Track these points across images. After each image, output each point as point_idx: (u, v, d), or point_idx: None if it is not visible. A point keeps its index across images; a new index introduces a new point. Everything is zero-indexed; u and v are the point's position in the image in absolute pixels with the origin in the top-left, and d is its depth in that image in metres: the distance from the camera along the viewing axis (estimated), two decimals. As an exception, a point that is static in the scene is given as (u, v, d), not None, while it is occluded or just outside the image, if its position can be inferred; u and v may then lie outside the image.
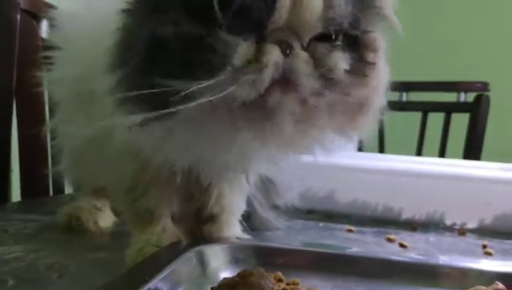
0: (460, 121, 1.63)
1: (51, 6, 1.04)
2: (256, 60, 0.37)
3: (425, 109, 1.68)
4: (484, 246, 0.68)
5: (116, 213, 0.68)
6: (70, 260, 0.51)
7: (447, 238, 0.73)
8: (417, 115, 1.68)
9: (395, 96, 1.72)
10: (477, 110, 1.59)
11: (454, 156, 1.61)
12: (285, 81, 0.38)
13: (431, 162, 0.99)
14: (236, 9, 0.38)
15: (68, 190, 0.90)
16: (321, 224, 0.76)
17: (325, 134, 0.45)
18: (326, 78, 0.39)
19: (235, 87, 0.37)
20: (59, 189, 0.90)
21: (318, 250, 0.51)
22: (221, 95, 0.37)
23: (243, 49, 0.38)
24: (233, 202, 0.55)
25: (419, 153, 1.69)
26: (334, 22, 0.39)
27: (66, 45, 0.58)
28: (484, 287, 0.42)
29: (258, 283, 0.39)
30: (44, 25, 1.03)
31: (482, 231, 0.76)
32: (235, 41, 0.38)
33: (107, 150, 0.51)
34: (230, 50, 0.38)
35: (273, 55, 0.38)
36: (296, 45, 0.39)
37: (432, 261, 0.50)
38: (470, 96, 1.65)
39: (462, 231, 0.76)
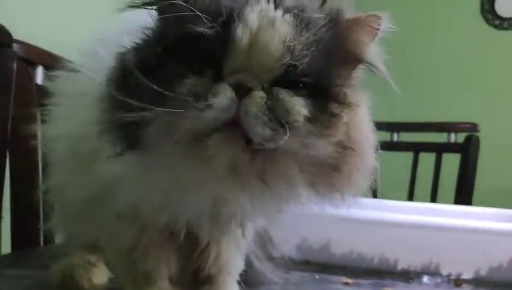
0: (451, 162, 1.64)
1: (46, 54, 1.05)
2: (204, 98, 0.38)
3: (416, 149, 1.69)
4: (482, 301, 0.67)
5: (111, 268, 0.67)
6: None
7: (444, 290, 0.73)
8: (408, 156, 1.70)
9: (386, 136, 1.74)
10: (467, 151, 1.60)
11: (446, 196, 1.62)
12: (232, 125, 0.38)
13: (424, 209, 0.99)
14: (194, 46, 0.39)
15: (59, 239, 0.89)
16: (317, 276, 0.76)
17: (296, 189, 0.44)
18: (283, 122, 0.39)
19: (180, 119, 0.38)
20: (50, 238, 0.89)
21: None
22: (169, 124, 0.39)
23: (190, 83, 0.39)
24: (231, 261, 0.55)
25: (411, 192, 1.69)
26: (297, 70, 0.40)
27: (64, 101, 0.58)
28: None
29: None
30: (40, 71, 1.04)
31: (478, 282, 0.76)
32: (184, 75, 0.39)
33: (105, 211, 0.51)
34: (178, 82, 0.39)
35: (221, 96, 0.38)
36: (255, 87, 0.39)
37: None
38: (460, 137, 1.67)
39: (458, 282, 0.76)
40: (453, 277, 0.78)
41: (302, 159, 0.41)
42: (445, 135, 1.72)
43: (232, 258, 0.54)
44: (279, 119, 0.39)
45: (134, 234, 0.50)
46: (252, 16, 0.40)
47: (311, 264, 0.81)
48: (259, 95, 0.39)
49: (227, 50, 0.39)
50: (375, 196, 1.51)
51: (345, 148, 0.42)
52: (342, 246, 0.81)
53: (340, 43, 0.43)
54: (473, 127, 1.68)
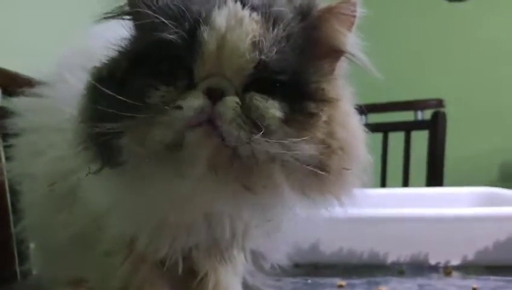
0: (420, 138, 1.67)
1: (5, 74, 0.99)
2: (177, 106, 0.37)
3: (386, 129, 1.71)
4: (474, 289, 0.68)
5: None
6: None
7: (436, 282, 0.73)
8: (378, 136, 1.71)
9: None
10: (435, 127, 1.63)
11: (418, 172, 1.65)
12: (207, 126, 0.37)
13: (401, 194, 1.01)
14: (163, 54, 0.39)
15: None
16: (309, 280, 0.75)
17: (283, 195, 0.42)
18: (258, 126, 0.38)
19: (151, 128, 0.38)
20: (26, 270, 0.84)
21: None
22: (140, 135, 0.38)
23: (161, 91, 0.38)
24: (229, 288, 0.53)
25: (384, 172, 1.71)
26: (269, 68, 0.38)
27: (35, 137, 0.55)
28: None
29: None
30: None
31: (466, 268, 0.77)
32: (154, 84, 0.38)
33: (92, 249, 0.49)
34: (148, 92, 0.38)
35: (192, 99, 0.37)
36: (229, 92, 0.38)
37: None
38: (427, 114, 1.69)
39: (448, 271, 0.77)
40: (441, 265, 0.79)
41: (285, 164, 0.39)
42: (412, 113, 1.74)
43: (230, 284, 0.53)
44: (253, 122, 0.38)
45: (127, 271, 0.48)
46: (219, 18, 0.38)
47: (301, 267, 0.80)
48: (232, 99, 0.38)
49: (196, 55, 0.38)
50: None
51: (329, 147, 0.40)
52: (331, 244, 0.80)
53: (313, 35, 0.41)
54: (439, 103, 1.71)
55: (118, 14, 0.43)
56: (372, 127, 1.65)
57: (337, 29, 0.42)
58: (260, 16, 0.39)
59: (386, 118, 1.73)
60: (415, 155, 1.68)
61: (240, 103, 0.38)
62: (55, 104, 0.53)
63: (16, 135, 0.56)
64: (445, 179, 1.59)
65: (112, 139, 0.39)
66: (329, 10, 0.42)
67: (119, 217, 0.45)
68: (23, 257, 0.64)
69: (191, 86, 0.38)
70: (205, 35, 0.38)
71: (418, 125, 1.71)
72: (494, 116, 2.40)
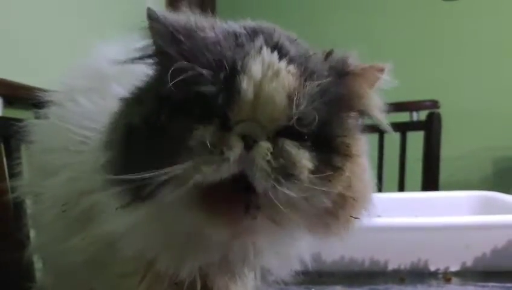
0: (416, 139, 1.69)
1: (6, 84, 1.00)
2: (219, 151, 0.38)
3: (381, 130, 1.72)
4: (473, 297, 0.71)
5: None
6: None
7: (436, 288, 0.75)
8: (374, 137, 1.73)
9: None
10: (431, 127, 1.65)
11: (413, 173, 1.67)
12: (239, 176, 0.38)
13: (396, 200, 1.03)
14: (199, 99, 0.39)
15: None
16: (313, 289, 0.77)
17: (292, 233, 0.45)
18: (288, 174, 0.39)
19: (189, 173, 0.38)
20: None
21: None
22: (183, 183, 0.38)
23: (201, 134, 0.38)
24: None
25: (380, 173, 1.73)
26: (302, 121, 0.40)
27: (47, 157, 0.56)
28: None
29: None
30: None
31: (465, 274, 0.80)
32: (191, 127, 0.38)
33: (106, 271, 0.50)
34: (187, 135, 0.38)
35: (236, 149, 0.38)
36: (261, 138, 0.39)
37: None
38: (422, 115, 1.71)
39: (447, 278, 0.79)
40: (441, 271, 0.81)
41: (303, 209, 0.41)
42: (407, 114, 1.76)
43: None
44: (283, 171, 0.39)
45: None
46: (256, 68, 0.39)
47: (304, 275, 0.82)
48: (265, 146, 0.39)
49: (232, 102, 0.39)
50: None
51: (346, 199, 0.42)
52: (333, 253, 0.82)
53: (343, 92, 0.42)
54: (434, 104, 1.73)
55: (146, 57, 0.43)
56: (368, 128, 1.67)
57: (365, 90, 0.44)
58: (296, 69, 0.40)
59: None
60: (411, 155, 1.70)
61: (271, 148, 0.39)
62: (67, 125, 0.54)
63: (27, 154, 0.57)
64: (441, 178, 1.61)
65: (153, 187, 0.38)
66: (361, 73, 0.44)
67: (138, 239, 0.45)
68: (31, 277, 0.65)
69: (225, 129, 0.39)
70: (243, 85, 0.38)
71: (414, 126, 1.73)
72: (487, 115, 2.43)
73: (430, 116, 1.66)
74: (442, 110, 1.69)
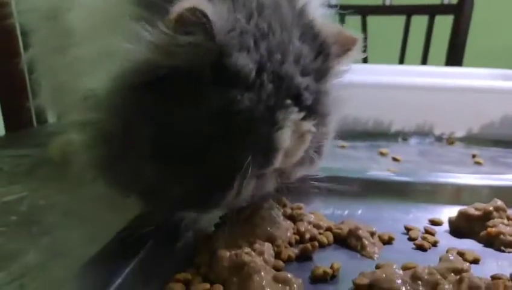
0: (444, 24, 1.60)
1: None
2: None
3: (409, 11, 1.64)
4: (474, 156, 0.70)
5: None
6: (71, 198, 0.51)
7: (437, 149, 0.75)
8: (401, 19, 1.65)
9: (378, 0, 1.68)
10: (461, 12, 1.56)
11: (437, 58, 1.61)
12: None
13: (416, 71, 0.98)
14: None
15: (52, 118, 0.88)
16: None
17: None
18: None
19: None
20: (43, 118, 0.88)
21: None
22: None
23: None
24: None
25: (402, 56, 1.68)
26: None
27: None
28: (483, 204, 0.43)
29: (269, 215, 0.40)
30: None
31: (469, 140, 0.78)
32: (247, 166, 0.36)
33: None
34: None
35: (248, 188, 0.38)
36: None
37: (428, 178, 0.51)
38: (454, -2, 1.61)
39: (451, 141, 0.78)
40: (445, 136, 0.80)
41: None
42: (438, -5, 1.66)
43: None
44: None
45: None
46: (285, 137, 0.37)
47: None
48: (273, 173, 0.40)
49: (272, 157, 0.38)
50: (365, 61, 1.50)
51: None
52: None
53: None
54: (468, -15, 1.61)
55: None
56: (396, 9, 1.59)
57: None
58: (315, 123, 0.39)
59: (410, 0, 1.65)
60: (436, 41, 1.62)
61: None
62: None
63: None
64: (464, 65, 1.55)
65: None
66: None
67: None
68: (35, 96, 0.66)
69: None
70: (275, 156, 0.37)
71: (444, 9, 1.63)
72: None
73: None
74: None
